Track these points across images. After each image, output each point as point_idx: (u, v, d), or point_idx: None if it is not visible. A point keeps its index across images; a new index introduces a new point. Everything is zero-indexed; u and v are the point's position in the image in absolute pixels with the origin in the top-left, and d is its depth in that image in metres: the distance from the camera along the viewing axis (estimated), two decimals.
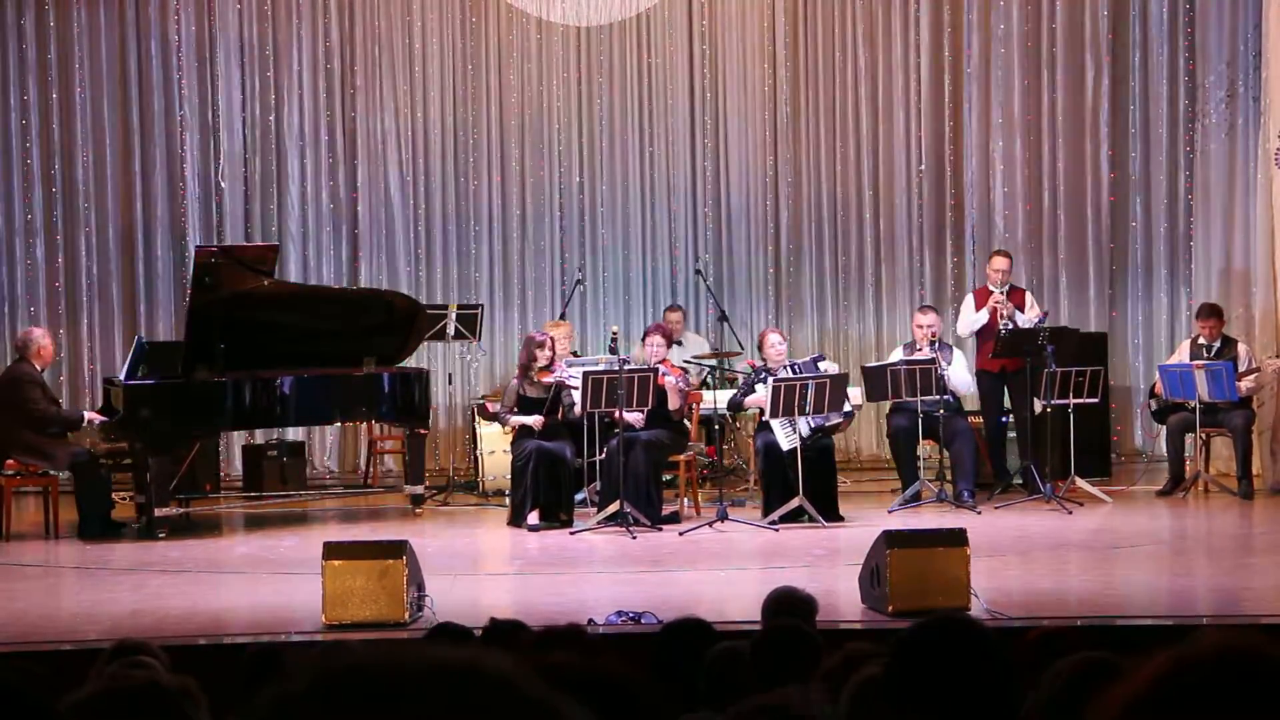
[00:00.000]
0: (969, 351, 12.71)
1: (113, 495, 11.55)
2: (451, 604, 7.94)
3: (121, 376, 11.43)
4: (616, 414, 10.92)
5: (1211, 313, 12.44)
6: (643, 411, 11.08)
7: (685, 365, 12.75)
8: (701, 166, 14.59)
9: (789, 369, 11.35)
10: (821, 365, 11.50)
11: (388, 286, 13.74)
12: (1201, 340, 12.39)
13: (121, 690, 2.92)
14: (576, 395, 11.24)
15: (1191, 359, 12.30)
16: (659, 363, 11.38)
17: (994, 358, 12.25)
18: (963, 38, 14.38)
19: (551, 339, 11.88)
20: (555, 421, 11.50)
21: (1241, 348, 12.36)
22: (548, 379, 11.53)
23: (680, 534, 10.72)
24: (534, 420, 11.40)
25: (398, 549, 7.88)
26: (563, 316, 13.56)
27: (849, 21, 14.47)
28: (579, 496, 11.55)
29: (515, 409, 11.55)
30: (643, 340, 12.03)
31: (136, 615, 8.28)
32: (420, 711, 1.21)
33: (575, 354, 12.92)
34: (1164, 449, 12.68)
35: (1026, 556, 9.68)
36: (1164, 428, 12.58)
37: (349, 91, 14.41)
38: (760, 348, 11.74)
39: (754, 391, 11.33)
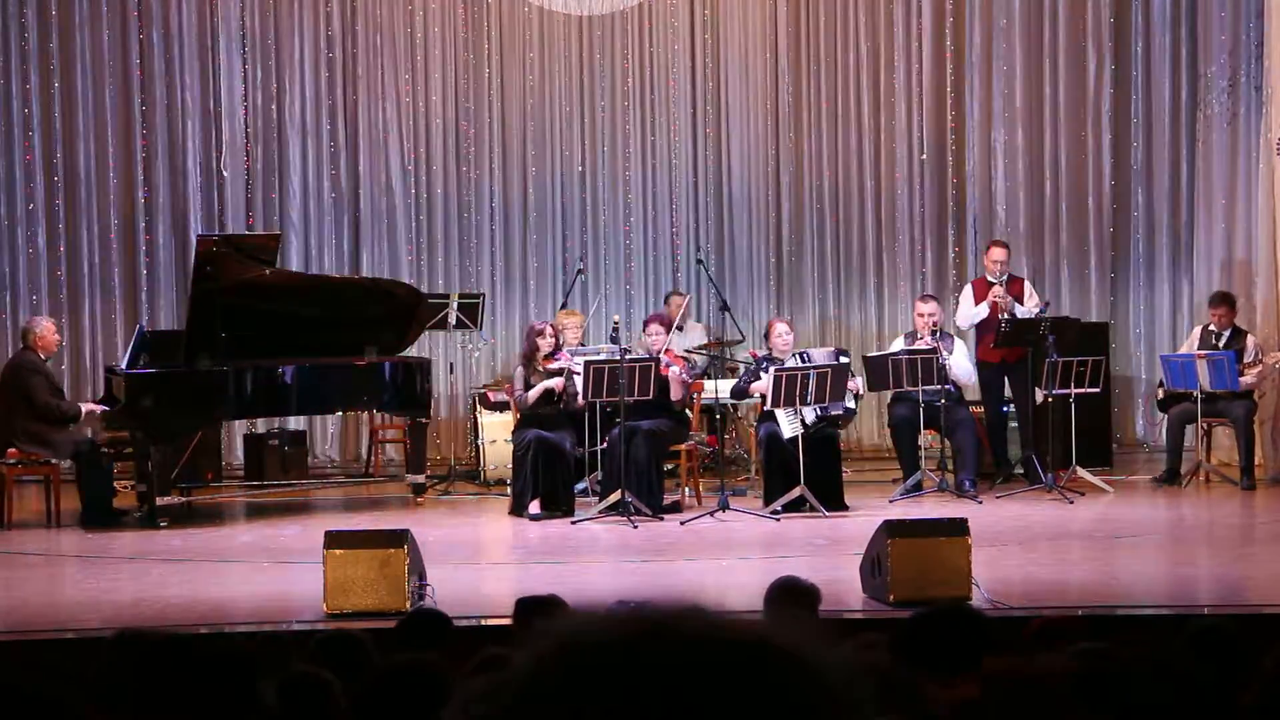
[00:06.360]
0: (969, 342, 12.71)
1: (114, 484, 11.56)
2: (452, 593, 7.95)
3: (123, 365, 11.43)
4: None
5: (1223, 300, 12.44)
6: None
7: (688, 355, 12.75)
8: (703, 156, 14.59)
9: (796, 358, 11.34)
10: (842, 360, 11.45)
11: (389, 275, 13.74)
12: (1212, 328, 12.39)
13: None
14: (578, 382, 11.23)
15: (1201, 347, 12.30)
16: (661, 352, 11.37)
17: (995, 348, 12.25)
18: (964, 27, 14.38)
19: (551, 326, 11.88)
20: (558, 411, 11.50)
21: (1251, 339, 12.35)
22: (553, 365, 11.54)
23: (682, 523, 10.72)
24: (554, 382, 11.40)
25: (399, 538, 7.88)
26: (564, 306, 13.55)
27: (851, 10, 14.47)
28: (580, 486, 11.55)
29: (528, 386, 11.52)
30: (644, 328, 12.03)
31: (138, 604, 8.28)
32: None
33: (582, 344, 12.92)
34: (1164, 439, 12.71)
35: (1028, 546, 9.69)
36: (1164, 417, 12.60)
37: (350, 80, 14.41)
38: (767, 337, 11.74)
39: (759, 379, 11.31)
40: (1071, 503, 11.30)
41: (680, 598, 1.25)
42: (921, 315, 12.06)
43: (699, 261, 13.92)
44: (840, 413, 11.29)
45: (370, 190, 14.44)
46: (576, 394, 11.30)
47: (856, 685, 1.20)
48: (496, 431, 12.62)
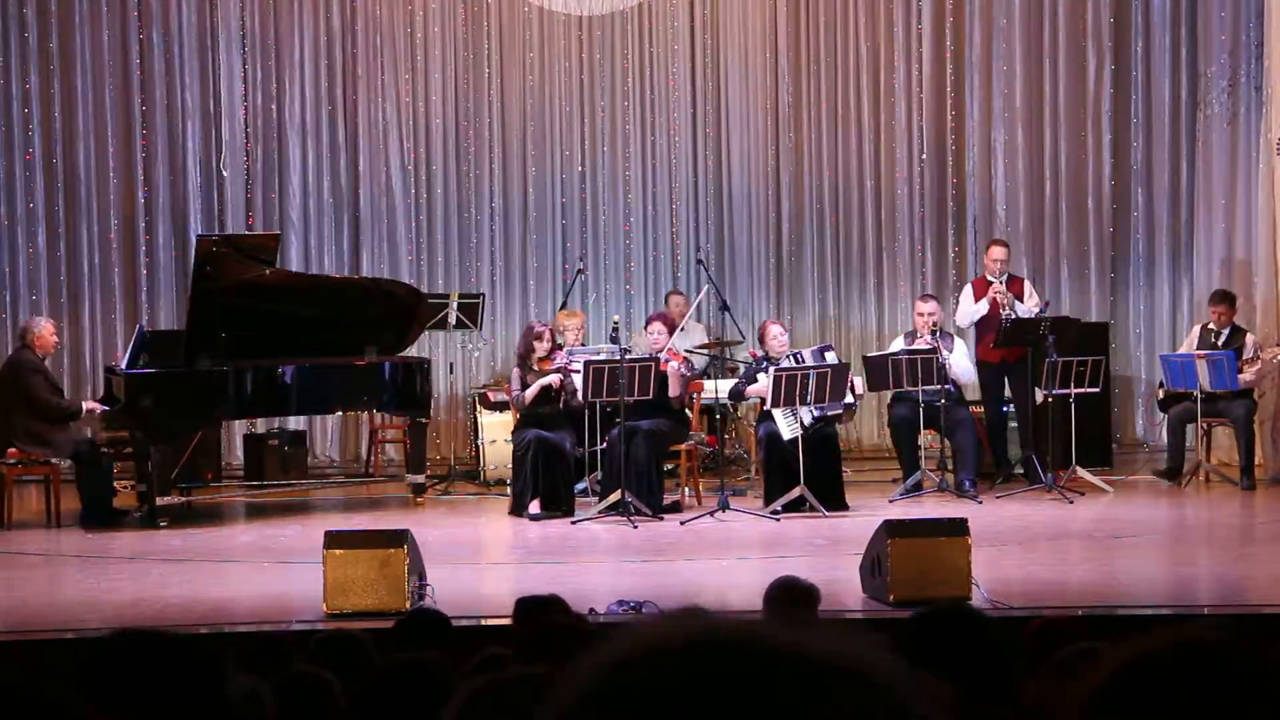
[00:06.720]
0: (969, 342, 12.71)
1: (114, 484, 11.56)
2: (452, 593, 7.95)
3: (123, 365, 11.43)
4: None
5: (1223, 298, 12.45)
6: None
7: (688, 354, 12.74)
8: (703, 155, 14.58)
9: (791, 359, 11.35)
10: (828, 356, 11.48)
11: (389, 275, 13.73)
12: (1211, 326, 12.40)
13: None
14: (578, 380, 11.23)
15: (1200, 346, 12.31)
16: (662, 351, 11.37)
17: (996, 348, 12.25)
18: (964, 26, 14.37)
19: (550, 330, 11.88)
20: (557, 410, 11.49)
21: (1250, 337, 12.36)
22: (549, 368, 11.53)
23: (681, 523, 10.72)
24: (552, 378, 11.40)
25: (399, 538, 7.88)
26: (564, 306, 13.55)
27: (851, 10, 14.46)
28: (579, 486, 11.55)
29: (525, 386, 11.52)
30: (645, 327, 12.04)
31: (138, 604, 8.28)
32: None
33: (582, 344, 12.91)
34: (1164, 439, 12.71)
35: (1028, 546, 9.69)
36: (1165, 417, 12.61)
37: (350, 80, 14.40)
38: (761, 339, 11.74)
39: (756, 381, 11.33)
40: (1071, 503, 11.30)
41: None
42: (921, 315, 12.06)
43: (699, 261, 13.92)
44: (839, 411, 11.29)
45: (370, 190, 14.44)
46: (576, 391, 11.29)
47: (927, 704, 1.17)
48: (496, 431, 12.62)
